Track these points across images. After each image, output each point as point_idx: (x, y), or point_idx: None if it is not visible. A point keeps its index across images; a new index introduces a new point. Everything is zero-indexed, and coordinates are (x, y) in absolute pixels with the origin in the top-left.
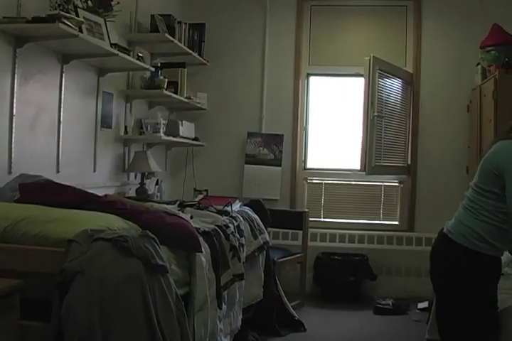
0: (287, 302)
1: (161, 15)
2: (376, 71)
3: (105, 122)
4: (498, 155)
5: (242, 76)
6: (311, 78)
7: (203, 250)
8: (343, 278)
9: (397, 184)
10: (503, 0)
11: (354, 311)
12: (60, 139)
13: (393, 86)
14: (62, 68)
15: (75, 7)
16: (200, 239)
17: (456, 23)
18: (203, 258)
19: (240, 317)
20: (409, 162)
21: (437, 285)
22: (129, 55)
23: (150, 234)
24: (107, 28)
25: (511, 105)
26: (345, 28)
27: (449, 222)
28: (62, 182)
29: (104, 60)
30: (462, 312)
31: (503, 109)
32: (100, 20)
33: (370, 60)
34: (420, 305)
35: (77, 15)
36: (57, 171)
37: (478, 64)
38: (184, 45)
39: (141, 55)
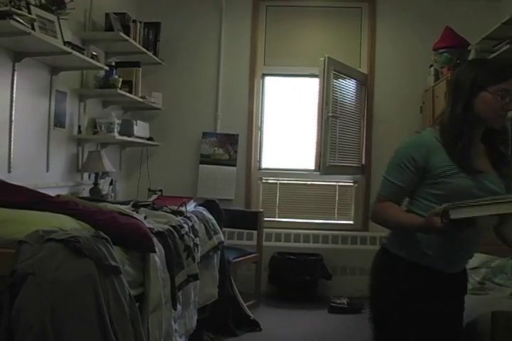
0: (242, 302)
1: (115, 13)
2: (331, 72)
3: (58, 121)
4: None
5: (198, 76)
6: (267, 78)
7: (156, 250)
8: (298, 278)
9: (351, 184)
10: (456, 3)
11: (309, 310)
12: (12, 139)
13: (348, 86)
14: (13, 66)
15: (27, 4)
16: (154, 239)
17: (409, 25)
18: (157, 259)
19: (195, 317)
20: (363, 162)
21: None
22: (82, 53)
23: (103, 234)
24: (60, 25)
25: None
26: (300, 28)
27: None
28: (14, 183)
29: (58, 58)
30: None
31: None
32: (53, 17)
33: (324, 60)
34: None
35: (30, 12)
36: (9, 171)
37: (431, 66)
38: (139, 44)
39: (95, 53)
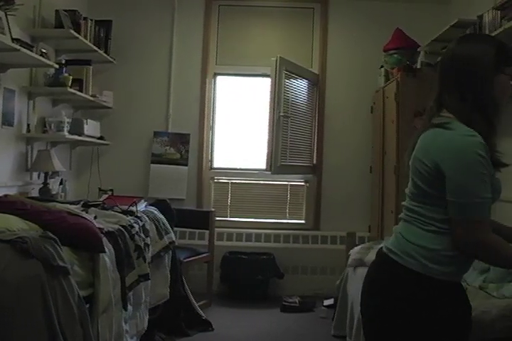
0: (194, 302)
1: (65, 10)
2: (283, 71)
3: (6, 120)
4: (431, 147)
5: (149, 75)
6: (218, 78)
7: (106, 250)
8: (251, 277)
9: (302, 183)
10: (406, 5)
11: (261, 309)
12: None
13: (299, 86)
14: None
15: None
16: (104, 239)
17: (361, 27)
18: (107, 259)
19: (147, 317)
20: (314, 161)
21: (372, 324)
22: (31, 50)
23: (51, 234)
24: (8, 22)
25: (412, 107)
26: (252, 28)
27: (389, 239)
28: None
29: (5, 55)
30: None
31: (404, 110)
32: (1, 13)
33: (276, 60)
34: (326, 302)
35: None
36: None
37: (382, 66)
38: (90, 42)
39: (44, 51)
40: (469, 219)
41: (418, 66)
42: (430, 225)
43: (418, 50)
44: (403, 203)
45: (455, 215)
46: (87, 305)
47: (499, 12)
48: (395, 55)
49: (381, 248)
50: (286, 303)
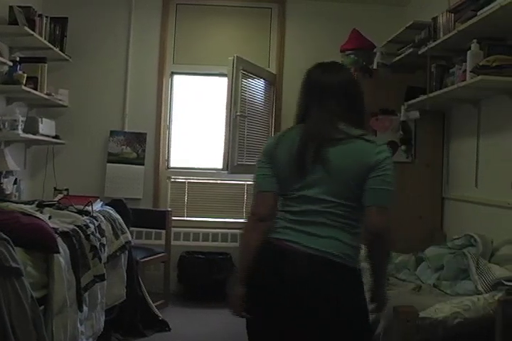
0: (151, 302)
1: (20, 7)
2: (240, 71)
3: None
4: (369, 153)
5: (105, 73)
6: (175, 77)
7: (60, 251)
8: (208, 277)
9: None
10: (363, 6)
11: (219, 309)
12: None
13: (256, 86)
14: None
15: None
16: (59, 239)
17: (318, 27)
18: (62, 260)
19: (103, 318)
20: None
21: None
22: None
23: (3, 235)
24: None
25: (369, 107)
26: (210, 27)
27: (313, 241)
28: None
29: None
30: None
31: None
32: None
33: (233, 60)
34: None
35: None
36: None
37: None
38: (45, 39)
39: None
40: (388, 207)
41: (374, 67)
42: (356, 228)
43: (374, 51)
44: (315, 208)
45: (383, 203)
46: (42, 307)
47: (453, 14)
48: (352, 56)
49: (296, 249)
50: None
